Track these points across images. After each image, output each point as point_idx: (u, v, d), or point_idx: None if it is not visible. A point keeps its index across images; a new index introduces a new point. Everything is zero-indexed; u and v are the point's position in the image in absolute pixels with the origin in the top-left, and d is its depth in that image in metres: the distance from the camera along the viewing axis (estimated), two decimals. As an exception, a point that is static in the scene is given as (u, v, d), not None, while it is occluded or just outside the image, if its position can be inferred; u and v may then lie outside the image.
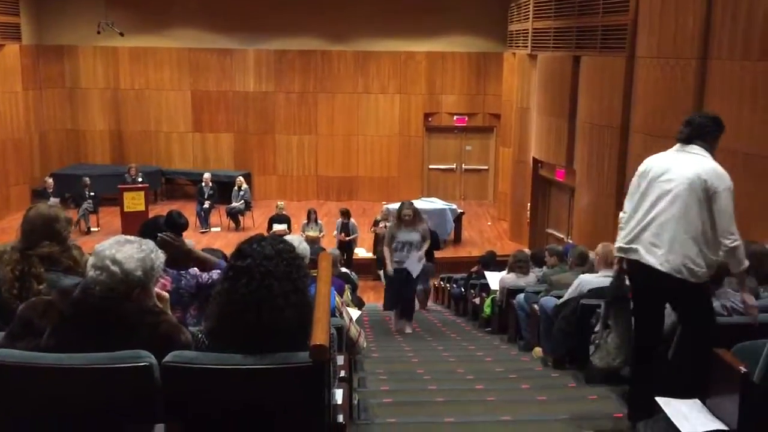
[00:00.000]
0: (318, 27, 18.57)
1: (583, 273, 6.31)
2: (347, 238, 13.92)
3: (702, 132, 4.00)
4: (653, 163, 4.03)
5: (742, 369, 3.32)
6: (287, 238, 3.02)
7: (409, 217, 8.80)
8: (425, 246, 8.97)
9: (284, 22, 18.46)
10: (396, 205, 10.29)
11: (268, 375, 2.29)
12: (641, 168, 4.09)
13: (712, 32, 9.47)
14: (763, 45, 8.49)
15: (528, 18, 14.96)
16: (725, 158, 9.13)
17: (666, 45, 10.28)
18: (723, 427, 3.39)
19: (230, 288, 2.37)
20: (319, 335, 2.14)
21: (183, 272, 3.63)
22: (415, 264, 8.82)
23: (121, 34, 17.46)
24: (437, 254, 11.88)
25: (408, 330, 9.14)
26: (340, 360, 3.39)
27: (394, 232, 8.89)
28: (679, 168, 3.90)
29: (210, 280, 3.54)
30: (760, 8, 8.53)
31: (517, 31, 15.95)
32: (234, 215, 16.29)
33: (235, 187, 16.42)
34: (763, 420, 3.26)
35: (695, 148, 3.96)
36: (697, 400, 3.63)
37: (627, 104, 11.29)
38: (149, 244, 2.60)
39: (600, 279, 5.73)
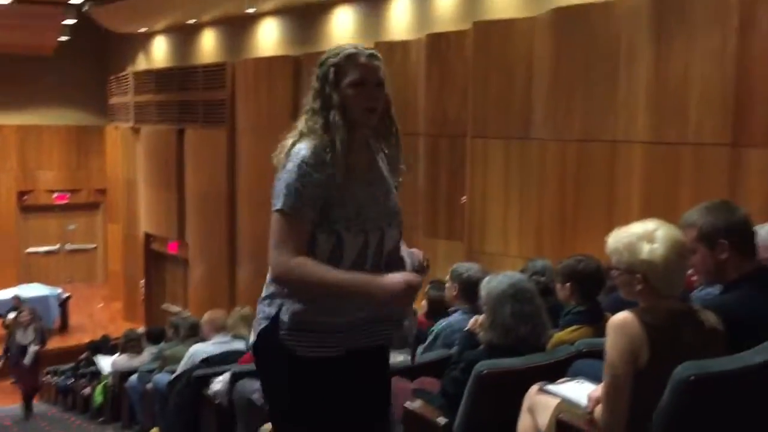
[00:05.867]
0: None
1: (196, 343, 6.19)
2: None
3: None
4: None
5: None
6: None
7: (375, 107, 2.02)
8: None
9: None
10: None
11: None
12: None
13: (300, 107, 10.37)
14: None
15: (129, 92, 14.76)
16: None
17: (262, 118, 11.00)
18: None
19: None
20: None
21: None
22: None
23: None
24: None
25: None
26: None
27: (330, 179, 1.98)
28: None
29: None
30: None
31: (118, 104, 15.61)
32: None
33: None
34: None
35: None
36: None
37: (231, 174, 11.76)
38: None
39: (212, 347, 5.68)
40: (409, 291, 1.86)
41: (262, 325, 2.02)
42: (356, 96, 1.98)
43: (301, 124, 2.03)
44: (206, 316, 5.80)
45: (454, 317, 3.81)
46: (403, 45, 8.55)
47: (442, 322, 3.83)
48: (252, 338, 2.07)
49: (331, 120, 1.97)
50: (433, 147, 7.83)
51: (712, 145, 5.37)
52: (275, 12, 11.66)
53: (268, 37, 11.93)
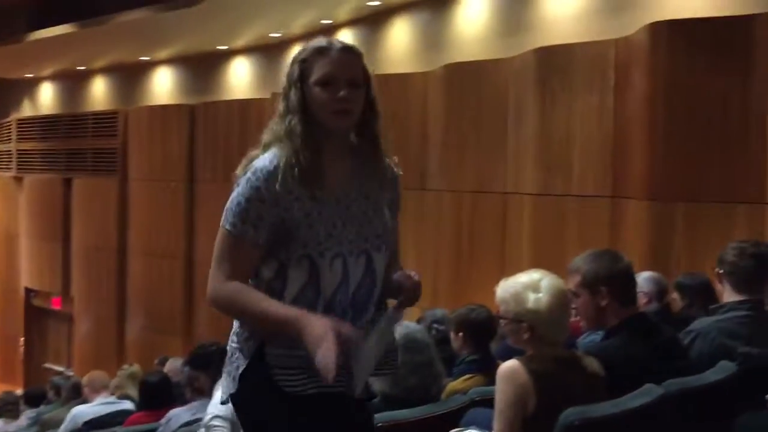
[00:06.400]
0: None
1: (78, 405, 5.89)
2: None
3: None
4: None
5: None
6: None
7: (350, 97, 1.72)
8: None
9: None
10: None
11: None
12: None
13: (196, 157, 10.29)
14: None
15: (11, 139, 14.15)
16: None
17: (156, 168, 10.76)
18: None
19: None
20: None
21: None
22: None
23: None
24: None
25: None
26: None
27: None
28: None
29: None
30: (234, 137, 9.57)
31: (-1, 152, 14.90)
32: None
33: None
34: None
35: None
36: None
37: (123, 225, 11.41)
38: None
39: (96, 408, 5.42)
40: (328, 353, 1.50)
41: (242, 369, 1.71)
42: (323, 96, 1.69)
43: (267, 132, 1.75)
44: (86, 377, 5.63)
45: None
46: (301, 96, 8.62)
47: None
48: (229, 385, 1.75)
49: (292, 125, 1.69)
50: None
51: (594, 197, 5.65)
52: (170, 60, 11.52)
53: (163, 86, 11.74)
